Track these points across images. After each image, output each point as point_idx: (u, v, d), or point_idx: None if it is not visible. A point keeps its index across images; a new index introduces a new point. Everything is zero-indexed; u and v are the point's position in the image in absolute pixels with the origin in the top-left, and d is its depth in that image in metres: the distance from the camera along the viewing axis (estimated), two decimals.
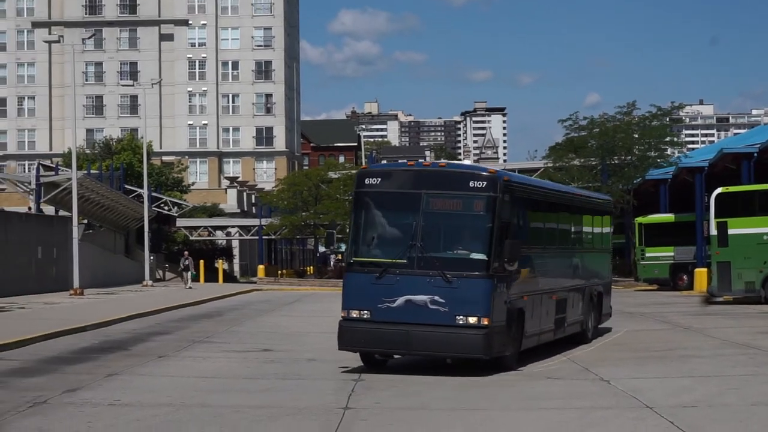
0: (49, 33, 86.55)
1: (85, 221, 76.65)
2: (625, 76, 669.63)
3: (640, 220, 65.44)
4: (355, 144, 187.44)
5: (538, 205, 27.74)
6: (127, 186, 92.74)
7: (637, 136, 78.75)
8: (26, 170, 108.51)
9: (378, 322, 23.54)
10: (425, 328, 23.15)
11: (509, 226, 24.07)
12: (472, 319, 22.94)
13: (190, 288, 70.52)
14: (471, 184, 23.58)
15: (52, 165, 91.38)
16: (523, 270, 25.25)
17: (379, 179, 24.64)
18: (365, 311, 23.73)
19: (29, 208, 77.09)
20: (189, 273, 74.33)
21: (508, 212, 24.04)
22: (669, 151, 78.24)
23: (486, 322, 22.91)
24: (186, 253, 78.33)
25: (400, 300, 23.37)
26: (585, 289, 30.85)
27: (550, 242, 28.66)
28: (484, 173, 23.97)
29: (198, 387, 21.69)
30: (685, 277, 61.98)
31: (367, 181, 24.55)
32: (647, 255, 63.32)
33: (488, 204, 23.55)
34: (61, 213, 74.23)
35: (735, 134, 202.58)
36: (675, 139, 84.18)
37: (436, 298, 23.11)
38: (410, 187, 24.29)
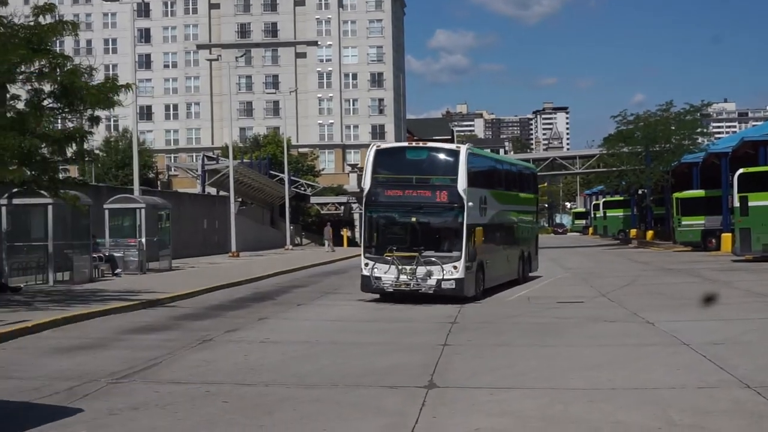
0: (210, 53, 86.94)
1: (240, 199, 77.39)
2: (665, 79, 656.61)
3: (677, 195, 64.63)
4: (449, 138, 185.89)
5: None
6: (271, 172, 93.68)
7: (674, 128, 77.26)
8: (194, 160, 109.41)
9: None
10: None
11: None
12: None
13: (332, 251, 71.51)
14: None
15: (213, 156, 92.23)
16: None
17: None
18: None
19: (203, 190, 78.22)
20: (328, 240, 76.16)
21: None
22: (700, 140, 76.74)
23: None
24: (328, 224, 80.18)
25: None
26: None
27: None
28: None
29: (328, 328, 21.77)
30: (713, 240, 61.04)
31: None
32: (683, 223, 62.49)
33: None
34: (221, 193, 75.10)
35: (753, 125, 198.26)
36: (704, 130, 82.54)
37: None
38: None
